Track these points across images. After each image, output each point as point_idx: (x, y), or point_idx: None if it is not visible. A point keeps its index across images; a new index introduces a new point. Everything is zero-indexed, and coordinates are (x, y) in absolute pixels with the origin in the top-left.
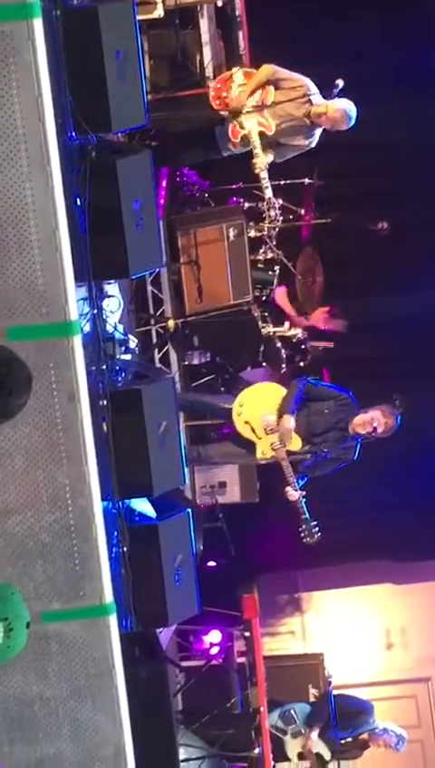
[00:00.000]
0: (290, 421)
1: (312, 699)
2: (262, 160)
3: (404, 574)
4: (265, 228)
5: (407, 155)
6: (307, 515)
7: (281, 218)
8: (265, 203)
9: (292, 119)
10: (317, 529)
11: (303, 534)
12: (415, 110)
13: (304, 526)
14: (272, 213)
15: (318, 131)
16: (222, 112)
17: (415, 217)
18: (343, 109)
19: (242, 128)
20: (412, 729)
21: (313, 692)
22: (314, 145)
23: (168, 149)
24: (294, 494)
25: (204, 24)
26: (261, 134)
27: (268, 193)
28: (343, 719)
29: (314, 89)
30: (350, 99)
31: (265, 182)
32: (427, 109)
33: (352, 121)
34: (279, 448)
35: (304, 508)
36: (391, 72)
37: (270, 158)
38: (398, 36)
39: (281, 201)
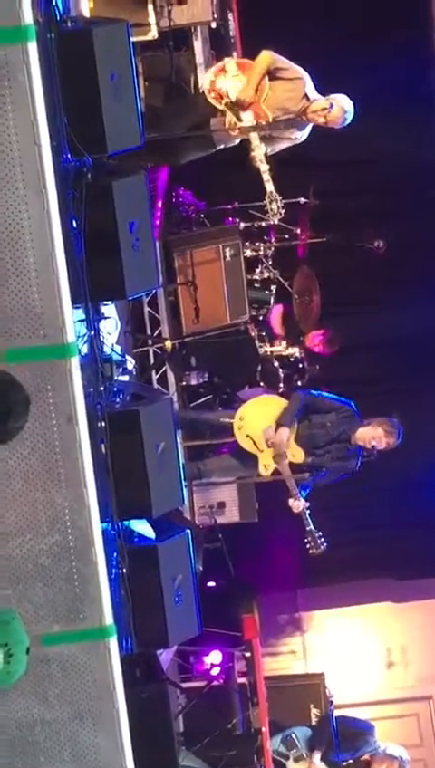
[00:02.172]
0: (284, 434)
1: (314, 720)
2: (261, 152)
3: (405, 592)
4: (271, 217)
5: (403, 173)
6: (312, 526)
7: (283, 211)
8: (266, 196)
9: (287, 112)
10: (323, 540)
11: (309, 546)
12: (412, 128)
13: (309, 537)
14: (274, 206)
15: (310, 126)
16: (218, 105)
17: (411, 236)
18: (341, 108)
19: (240, 119)
20: (414, 748)
21: (314, 712)
22: (304, 139)
23: (166, 149)
24: (298, 504)
25: (198, 46)
26: (258, 126)
27: (269, 186)
28: (343, 741)
29: (310, 83)
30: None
31: (266, 174)
32: (424, 127)
33: (349, 120)
34: (281, 461)
35: (309, 519)
36: (389, 90)
37: (266, 149)
38: (396, 55)
39: (281, 198)
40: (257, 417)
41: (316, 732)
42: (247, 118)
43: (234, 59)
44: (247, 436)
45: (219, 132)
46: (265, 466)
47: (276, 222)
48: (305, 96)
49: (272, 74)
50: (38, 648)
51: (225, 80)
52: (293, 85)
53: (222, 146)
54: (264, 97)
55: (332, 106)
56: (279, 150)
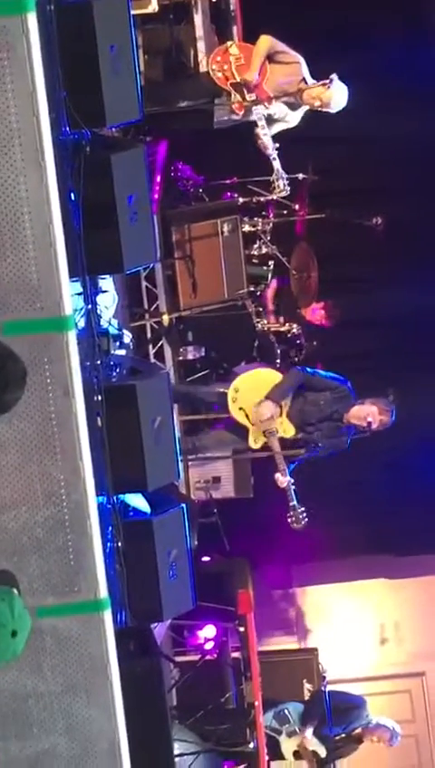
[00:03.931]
0: (266, 408)
1: (306, 695)
2: (266, 131)
3: (399, 569)
4: (277, 194)
5: (403, 150)
6: (295, 501)
7: (289, 188)
8: (273, 174)
9: (285, 95)
10: (305, 515)
11: (291, 520)
12: (412, 105)
13: (291, 512)
14: (280, 183)
15: (303, 110)
16: (223, 86)
17: (410, 213)
18: (338, 93)
19: (245, 100)
20: (407, 724)
21: (307, 687)
22: (296, 123)
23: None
24: (283, 480)
25: (198, 19)
26: (260, 101)
27: (276, 164)
28: (336, 715)
29: (306, 67)
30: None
31: (273, 152)
32: (424, 105)
33: (343, 105)
34: (271, 435)
35: (293, 494)
36: (389, 67)
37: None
38: (397, 32)
39: (287, 175)
40: (251, 391)
41: (309, 707)
42: (251, 98)
43: (235, 42)
44: (241, 408)
45: (222, 111)
46: (255, 439)
47: (281, 198)
48: (303, 79)
49: (270, 58)
50: (32, 620)
51: (231, 63)
52: (290, 69)
53: (220, 126)
54: (265, 79)
55: (329, 88)
56: (273, 134)
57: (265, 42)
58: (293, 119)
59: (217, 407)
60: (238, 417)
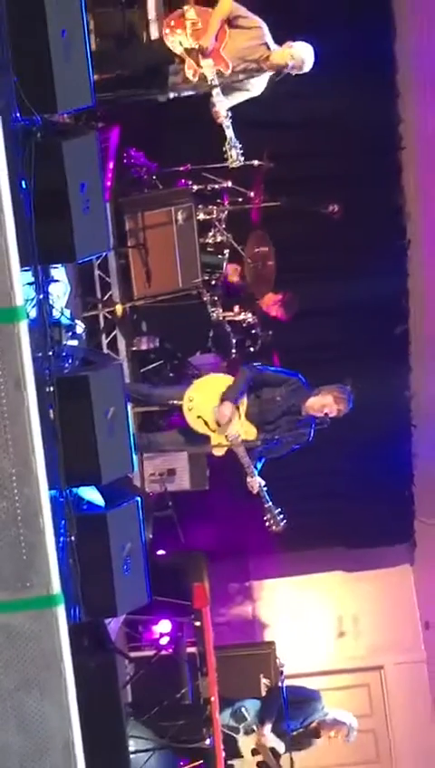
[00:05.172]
0: (227, 408)
1: (263, 690)
2: (221, 99)
3: (356, 562)
4: (230, 164)
5: (359, 137)
6: (270, 503)
7: (243, 158)
8: (226, 143)
9: (246, 61)
10: (282, 516)
11: (268, 523)
12: (368, 91)
13: (268, 515)
14: (233, 153)
15: (266, 76)
16: (176, 50)
17: (367, 200)
18: (306, 52)
19: (199, 66)
20: (365, 718)
21: (264, 682)
22: (259, 92)
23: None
24: (255, 482)
25: (150, 1)
26: (218, 73)
27: (229, 132)
28: (292, 708)
29: (268, 32)
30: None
31: (226, 121)
32: (380, 90)
33: (310, 64)
34: (234, 439)
35: (266, 497)
36: (347, 53)
37: (226, 99)
38: (355, 18)
39: (241, 144)
40: (207, 397)
41: (266, 704)
42: (207, 65)
43: (192, 6)
44: (199, 417)
45: (175, 78)
46: (219, 447)
47: (236, 166)
48: (265, 45)
49: (231, 23)
50: None
51: (186, 27)
52: (252, 33)
53: (174, 94)
54: (223, 45)
55: (294, 49)
56: (235, 104)
57: (226, 4)
58: (256, 87)
59: (173, 415)
60: (197, 426)
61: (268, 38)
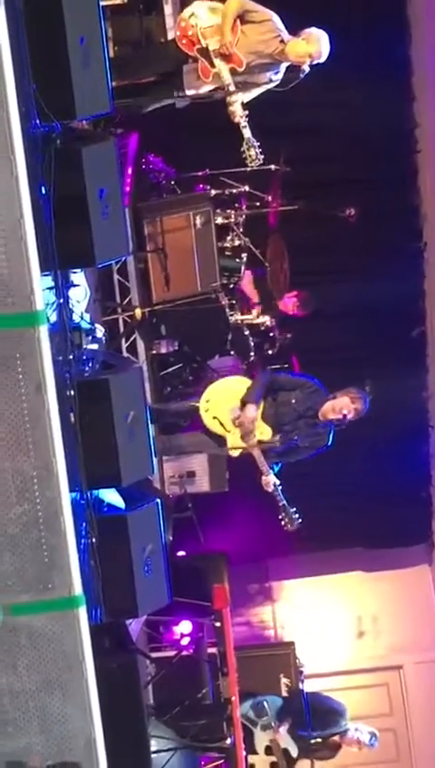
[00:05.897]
0: (252, 410)
1: (284, 690)
2: (237, 97)
3: (376, 562)
4: (250, 163)
5: (375, 141)
6: (285, 502)
7: (262, 157)
8: (244, 143)
9: (261, 55)
10: (298, 516)
11: (283, 522)
12: (385, 96)
13: (283, 514)
14: (252, 152)
15: (283, 67)
16: (189, 52)
17: (383, 204)
18: (323, 41)
19: (213, 66)
20: (384, 717)
21: (284, 681)
22: (278, 81)
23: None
24: (269, 481)
25: (168, 9)
26: (232, 71)
27: (247, 133)
28: (315, 718)
29: (280, 23)
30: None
31: (243, 120)
32: (396, 95)
33: (327, 50)
34: (250, 439)
35: (281, 496)
36: (363, 58)
37: (241, 96)
38: (371, 23)
39: (259, 143)
40: (223, 398)
41: (286, 704)
42: (220, 64)
43: (205, 3)
44: (214, 417)
45: (190, 77)
46: (234, 447)
47: (256, 166)
48: (278, 37)
49: (241, 18)
50: (6, 618)
51: (196, 26)
52: (264, 27)
53: (193, 91)
54: (236, 41)
55: (311, 40)
56: (254, 96)
57: (235, 2)
58: (275, 77)
59: (190, 422)
60: (213, 426)
61: (281, 29)
